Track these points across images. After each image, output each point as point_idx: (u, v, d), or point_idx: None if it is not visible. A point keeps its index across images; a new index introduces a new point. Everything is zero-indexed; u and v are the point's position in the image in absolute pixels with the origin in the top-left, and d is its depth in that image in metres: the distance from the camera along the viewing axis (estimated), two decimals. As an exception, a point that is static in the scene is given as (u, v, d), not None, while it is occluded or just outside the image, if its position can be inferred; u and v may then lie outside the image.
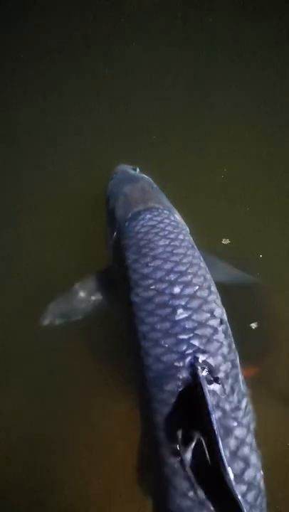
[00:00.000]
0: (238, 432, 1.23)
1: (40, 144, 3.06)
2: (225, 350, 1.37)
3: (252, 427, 1.31)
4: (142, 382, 1.36)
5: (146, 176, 2.16)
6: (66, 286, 1.90)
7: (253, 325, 2.02)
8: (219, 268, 1.68)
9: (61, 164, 2.90)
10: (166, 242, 1.62)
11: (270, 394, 1.97)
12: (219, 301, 1.53)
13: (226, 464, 1.04)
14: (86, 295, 1.86)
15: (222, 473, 1.04)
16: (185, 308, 1.41)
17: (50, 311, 1.88)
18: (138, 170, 2.22)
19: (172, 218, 1.80)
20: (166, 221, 1.75)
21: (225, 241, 2.33)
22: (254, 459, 1.24)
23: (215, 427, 1.08)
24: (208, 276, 1.60)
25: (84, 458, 1.81)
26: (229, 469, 1.04)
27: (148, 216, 1.77)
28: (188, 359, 1.29)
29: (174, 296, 1.44)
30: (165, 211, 1.83)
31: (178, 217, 1.89)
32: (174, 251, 1.59)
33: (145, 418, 1.33)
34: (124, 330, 1.55)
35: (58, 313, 1.88)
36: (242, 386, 1.36)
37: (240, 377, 1.39)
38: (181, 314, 1.39)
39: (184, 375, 1.27)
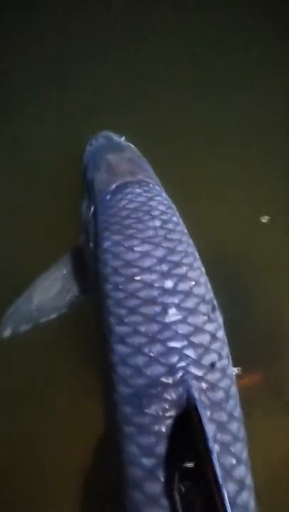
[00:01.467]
0: (238, 472, 0.96)
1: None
2: (224, 362, 1.10)
3: (249, 462, 1.04)
4: (113, 400, 1.05)
5: (133, 146, 1.83)
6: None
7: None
8: None
9: (33, 133, 2.53)
10: (158, 224, 1.30)
11: (278, 401, 1.75)
12: (215, 301, 1.24)
13: None
14: (52, 290, 1.50)
15: None
16: (179, 307, 1.10)
17: (9, 318, 1.49)
18: (124, 138, 1.89)
19: (164, 196, 1.49)
20: (158, 199, 1.42)
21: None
22: (252, 504, 0.98)
23: (217, 469, 0.80)
24: (204, 269, 1.30)
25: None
26: None
27: (137, 190, 1.43)
28: (180, 374, 1.00)
29: (165, 291, 1.13)
30: (156, 187, 1.51)
31: (168, 197, 1.58)
32: (168, 236, 1.27)
33: (115, 448, 1.02)
34: (96, 331, 1.24)
35: (20, 319, 1.49)
36: (240, 409, 1.09)
37: (238, 397, 1.11)
38: (173, 315, 1.09)
39: (173, 395, 0.97)
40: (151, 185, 1.49)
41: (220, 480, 0.79)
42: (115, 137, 1.89)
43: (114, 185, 1.47)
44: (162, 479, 0.91)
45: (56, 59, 2.89)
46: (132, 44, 2.96)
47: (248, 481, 0.99)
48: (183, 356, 1.02)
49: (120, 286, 1.16)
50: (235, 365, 1.17)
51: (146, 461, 0.94)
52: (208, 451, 0.82)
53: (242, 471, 0.97)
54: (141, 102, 2.63)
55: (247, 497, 0.96)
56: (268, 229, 2.08)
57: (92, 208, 1.49)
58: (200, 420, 0.86)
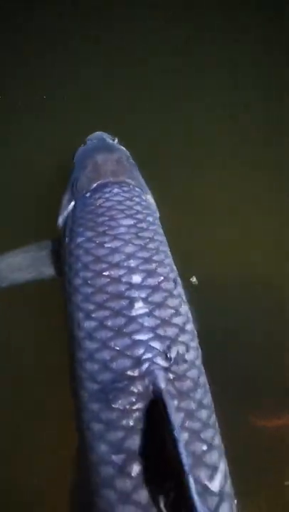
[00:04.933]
0: (210, 457, 0.95)
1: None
2: (192, 354, 1.10)
3: (223, 447, 1.03)
4: (81, 396, 1.05)
5: (124, 149, 1.84)
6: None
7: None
8: None
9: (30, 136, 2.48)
10: (132, 222, 1.32)
11: None
12: (184, 297, 1.25)
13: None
14: (19, 264, 1.52)
15: None
16: (145, 301, 1.11)
17: None
18: (116, 140, 1.90)
19: (144, 198, 1.50)
20: (136, 199, 1.43)
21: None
22: (228, 488, 0.97)
23: (184, 459, 0.80)
24: (175, 267, 1.31)
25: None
26: None
27: (116, 190, 1.44)
28: (145, 366, 0.99)
29: (132, 286, 1.13)
30: (137, 189, 1.52)
31: (150, 199, 1.59)
32: (140, 233, 1.29)
33: (84, 446, 1.01)
34: (65, 326, 1.23)
35: None
36: (210, 398, 1.09)
37: (208, 387, 1.11)
38: (139, 309, 1.09)
39: (139, 387, 0.97)
40: (131, 187, 1.49)
41: (187, 469, 0.79)
42: (108, 139, 1.90)
43: (95, 184, 1.48)
44: (133, 475, 0.90)
45: (56, 61, 2.89)
46: (132, 47, 2.95)
47: (222, 465, 0.98)
48: (149, 348, 1.02)
49: (89, 282, 1.18)
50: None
51: (116, 458, 0.93)
52: (175, 441, 0.82)
53: (214, 456, 0.97)
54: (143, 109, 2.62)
55: (221, 480, 0.95)
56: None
57: (72, 204, 1.50)
58: (166, 410, 0.86)
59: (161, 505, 0.86)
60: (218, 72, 2.84)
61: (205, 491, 0.90)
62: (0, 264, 1.52)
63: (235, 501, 0.99)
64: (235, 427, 1.45)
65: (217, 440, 1.01)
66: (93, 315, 1.11)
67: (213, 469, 0.94)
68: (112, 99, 2.64)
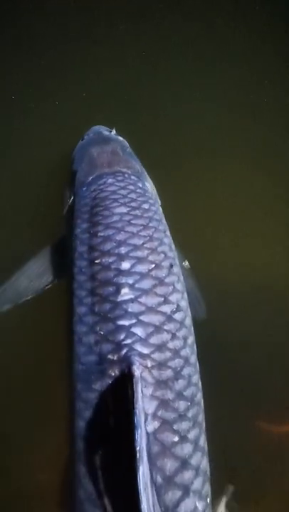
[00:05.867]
0: (180, 450, 0.97)
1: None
2: (178, 343, 1.11)
3: (202, 442, 1.04)
4: (71, 375, 1.11)
5: (121, 138, 1.87)
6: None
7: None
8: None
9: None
10: (125, 210, 1.35)
11: None
12: (180, 286, 1.26)
13: (142, 497, 0.79)
14: (34, 275, 1.55)
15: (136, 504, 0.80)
16: (132, 287, 1.14)
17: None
18: (114, 131, 1.93)
19: (139, 185, 1.52)
20: (131, 187, 1.47)
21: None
22: (198, 484, 0.97)
23: (137, 447, 0.83)
24: (172, 254, 1.32)
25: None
26: (145, 502, 0.79)
27: (110, 180, 1.49)
28: (124, 351, 1.03)
29: (120, 272, 1.17)
30: (132, 177, 1.55)
31: (149, 185, 1.61)
32: (133, 221, 1.32)
33: (70, 419, 1.07)
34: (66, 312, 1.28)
35: (5, 299, 1.55)
36: (195, 390, 1.09)
37: (196, 379, 1.12)
38: (125, 295, 1.12)
39: (116, 372, 1.01)
40: (126, 176, 1.53)
41: (138, 456, 0.82)
42: (105, 131, 1.93)
43: (91, 177, 1.54)
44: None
45: (56, 57, 2.80)
46: (133, 45, 2.88)
47: (195, 461, 0.98)
48: (130, 334, 1.06)
49: (83, 270, 1.23)
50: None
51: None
52: (134, 428, 0.85)
53: (186, 449, 0.97)
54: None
55: (190, 476, 0.95)
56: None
57: (71, 199, 1.56)
58: (134, 395, 0.89)
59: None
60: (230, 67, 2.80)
61: (167, 482, 0.91)
62: (19, 286, 1.55)
63: (208, 500, 1.00)
64: (242, 432, 1.49)
65: (194, 434, 1.01)
66: (84, 300, 1.16)
67: (183, 462, 0.95)
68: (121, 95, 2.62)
